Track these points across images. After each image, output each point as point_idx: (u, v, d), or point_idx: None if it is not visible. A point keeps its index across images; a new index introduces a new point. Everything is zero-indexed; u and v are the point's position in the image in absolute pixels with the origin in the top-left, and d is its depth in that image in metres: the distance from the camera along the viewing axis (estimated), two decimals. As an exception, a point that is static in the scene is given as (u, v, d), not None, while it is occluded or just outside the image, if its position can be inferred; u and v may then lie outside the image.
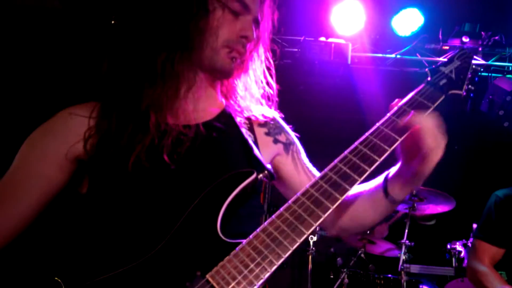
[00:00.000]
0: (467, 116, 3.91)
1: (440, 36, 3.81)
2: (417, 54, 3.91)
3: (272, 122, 1.23)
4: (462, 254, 3.66)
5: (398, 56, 3.90)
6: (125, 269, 0.87)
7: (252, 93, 1.21)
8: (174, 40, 1.00)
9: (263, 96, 1.24)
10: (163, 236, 0.89)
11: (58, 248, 1.08)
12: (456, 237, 3.74)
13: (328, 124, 4.65)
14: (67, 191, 1.05)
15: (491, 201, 2.18)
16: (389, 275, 4.00)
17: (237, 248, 0.84)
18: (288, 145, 1.21)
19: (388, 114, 1.00)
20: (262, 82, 1.23)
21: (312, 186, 0.89)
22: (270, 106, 1.25)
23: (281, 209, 0.87)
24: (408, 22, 3.64)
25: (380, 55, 3.86)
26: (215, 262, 0.83)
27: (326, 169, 0.93)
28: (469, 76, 1.10)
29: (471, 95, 1.09)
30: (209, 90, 1.15)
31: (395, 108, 1.00)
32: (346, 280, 3.98)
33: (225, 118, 1.13)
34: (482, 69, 3.87)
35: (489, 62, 3.86)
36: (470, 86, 1.09)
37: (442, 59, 3.88)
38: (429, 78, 1.07)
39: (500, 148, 4.57)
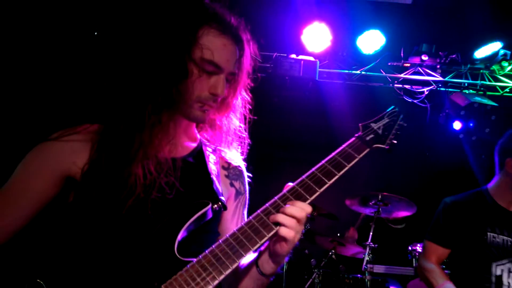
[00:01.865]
0: (428, 128, 4.21)
1: (402, 54, 4.09)
2: (381, 70, 4.18)
3: (235, 168, 1.38)
4: (422, 255, 3.92)
5: (363, 73, 4.15)
6: (96, 276, 1.04)
7: (227, 133, 1.35)
8: (159, 98, 1.15)
9: (236, 135, 1.37)
10: (130, 251, 1.07)
11: (41, 251, 1.17)
12: (417, 240, 4.01)
13: (299, 131, 4.88)
14: (55, 199, 1.17)
15: (440, 207, 2.39)
16: (358, 275, 4.24)
17: (188, 265, 1.02)
18: (238, 194, 1.36)
19: (284, 191, 1.12)
20: (237, 124, 1.36)
21: (239, 230, 1.07)
22: (242, 147, 1.39)
23: (220, 240, 1.05)
24: (372, 41, 3.89)
25: (346, 71, 4.10)
26: (171, 276, 1.01)
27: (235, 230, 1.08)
28: (394, 132, 1.24)
29: (395, 143, 1.22)
30: (187, 130, 1.30)
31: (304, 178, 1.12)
32: (317, 280, 4.20)
33: (197, 153, 1.29)
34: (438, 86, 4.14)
35: (446, 79, 4.17)
36: (393, 141, 1.23)
37: (403, 75, 4.17)
38: (360, 133, 1.22)
39: (456, 158, 4.90)
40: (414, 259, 3.93)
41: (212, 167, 1.30)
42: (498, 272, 2.14)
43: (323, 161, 1.16)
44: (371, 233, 3.81)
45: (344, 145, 1.20)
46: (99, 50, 3.23)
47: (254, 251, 1.07)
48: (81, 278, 1.06)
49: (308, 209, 1.06)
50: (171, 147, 1.21)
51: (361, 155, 1.18)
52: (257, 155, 1.46)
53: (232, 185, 1.35)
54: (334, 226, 4.39)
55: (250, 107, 1.38)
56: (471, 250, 2.21)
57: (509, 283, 2.12)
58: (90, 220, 1.10)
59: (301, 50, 3.95)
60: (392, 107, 1.31)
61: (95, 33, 3.31)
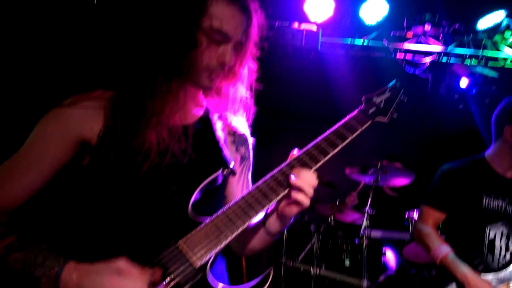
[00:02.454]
0: (428, 99, 4.24)
1: (405, 24, 4.06)
2: (384, 40, 4.17)
3: (240, 135, 1.44)
4: (418, 221, 4.07)
5: (365, 44, 4.12)
6: (114, 234, 1.11)
7: (233, 101, 1.39)
8: (169, 67, 1.19)
9: (242, 103, 1.41)
10: (146, 212, 1.13)
11: (56, 214, 1.20)
12: (414, 206, 4.14)
13: (300, 101, 4.91)
14: (68, 163, 1.21)
15: (437, 173, 2.47)
16: (356, 240, 4.40)
17: (203, 224, 1.10)
18: (243, 159, 1.42)
19: (289, 160, 1.17)
20: (244, 93, 1.40)
21: (249, 193, 1.14)
22: (248, 115, 1.44)
23: (231, 202, 1.13)
24: (375, 10, 3.84)
25: (349, 40, 4.07)
26: (186, 233, 1.08)
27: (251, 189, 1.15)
28: (394, 106, 1.31)
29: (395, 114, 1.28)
30: (195, 97, 1.34)
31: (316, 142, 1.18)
32: (316, 245, 4.36)
33: (205, 120, 1.34)
34: (441, 57, 4.14)
35: (449, 48, 4.15)
36: (393, 115, 1.30)
37: (407, 44, 4.15)
38: (362, 106, 1.29)
39: (454, 128, 4.96)
40: (410, 225, 4.07)
41: (219, 133, 1.35)
42: (491, 235, 2.24)
43: (327, 132, 1.22)
44: (369, 200, 3.93)
45: (347, 117, 1.26)
46: (113, 17, 3.19)
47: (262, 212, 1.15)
48: (99, 238, 1.13)
49: (313, 177, 1.13)
50: (181, 115, 1.26)
51: (364, 127, 1.24)
52: (258, 124, 1.51)
53: (237, 150, 1.42)
54: (333, 194, 4.51)
55: (256, 76, 1.42)
56: (467, 214, 2.31)
57: (501, 245, 2.23)
58: (106, 183, 1.15)
59: (303, 18, 3.90)
60: (394, 81, 1.37)
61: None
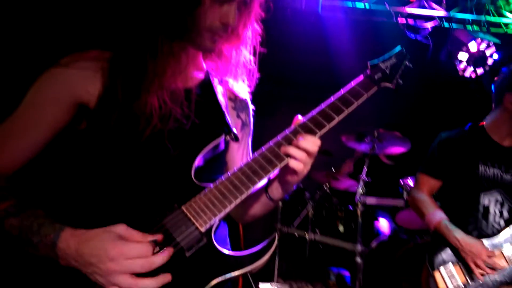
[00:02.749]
0: (428, 65, 4.19)
1: (408, -13, 3.94)
2: (385, 4, 4.05)
3: (241, 100, 1.40)
4: (413, 188, 4.14)
5: (367, 7, 4.01)
6: (113, 200, 1.09)
7: (235, 65, 1.33)
8: (171, 27, 1.14)
9: (244, 68, 1.35)
10: (148, 176, 1.11)
11: (55, 179, 1.19)
12: (408, 174, 4.19)
13: (300, 68, 4.83)
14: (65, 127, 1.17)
15: (435, 141, 2.48)
16: (350, 207, 4.48)
17: (206, 189, 1.08)
18: (244, 125, 1.40)
19: (297, 124, 1.15)
20: (247, 57, 1.34)
21: (253, 160, 1.12)
22: (250, 80, 1.39)
23: (235, 169, 1.11)
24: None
25: (350, 3, 3.95)
26: (189, 198, 1.07)
27: (254, 156, 1.13)
28: (400, 72, 1.27)
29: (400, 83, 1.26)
30: (195, 60, 1.29)
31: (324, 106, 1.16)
32: (311, 211, 4.44)
33: (206, 84, 1.30)
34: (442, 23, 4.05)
35: (451, 13, 4.05)
36: (399, 81, 1.27)
37: (409, 8, 4.04)
38: (368, 71, 1.24)
39: (452, 96, 4.94)
40: (404, 192, 4.14)
41: (221, 98, 1.32)
42: (486, 202, 2.28)
43: (332, 98, 1.18)
44: (365, 168, 3.96)
45: (353, 83, 1.22)
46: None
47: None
48: (98, 204, 1.10)
49: (318, 142, 1.12)
50: (182, 78, 1.22)
51: (369, 93, 1.20)
52: (254, 92, 1.47)
53: (238, 116, 1.39)
54: (329, 161, 4.54)
55: (260, 39, 1.35)
56: (463, 182, 2.33)
57: (495, 211, 2.27)
58: (106, 147, 1.12)
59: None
60: (399, 47, 1.32)
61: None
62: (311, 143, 1.11)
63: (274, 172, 1.12)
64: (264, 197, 1.25)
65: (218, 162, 1.28)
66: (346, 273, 4.72)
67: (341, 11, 4.01)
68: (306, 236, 4.21)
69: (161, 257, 0.96)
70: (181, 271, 1.01)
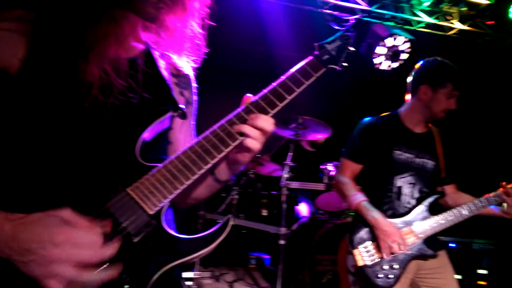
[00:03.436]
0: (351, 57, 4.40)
1: (335, -22, 4.08)
2: (313, -7, 4.15)
3: (184, 76, 1.32)
4: (332, 173, 4.38)
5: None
6: (49, 181, 0.96)
7: (179, 39, 1.24)
8: None
9: (190, 41, 1.26)
10: (89, 153, 1.00)
11: None
12: (328, 160, 4.42)
13: (231, 54, 4.77)
14: None
15: (356, 128, 2.63)
16: (273, 192, 4.60)
17: (154, 170, 1.01)
18: (187, 104, 1.32)
19: (247, 105, 1.11)
20: (194, 30, 1.25)
21: (204, 138, 1.06)
22: (195, 54, 1.29)
23: (186, 148, 1.04)
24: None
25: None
26: (135, 180, 0.99)
27: (200, 137, 1.07)
28: (345, 55, 1.27)
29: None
30: (135, 30, 1.17)
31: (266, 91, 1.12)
32: (236, 197, 4.46)
33: (147, 56, 1.20)
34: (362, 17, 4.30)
35: (372, 8, 4.31)
36: (344, 64, 1.28)
37: (333, 1, 4.21)
38: (317, 52, 1.24)
39: (372, 86, 5.31)
40: (324, 177, 4.36)
41: (164, 72, 1.22)
42: (400, 183, 2.47)
43: (283, 78, 1.17)
44: (290, 154, 4.08)
45: (302, 63, 1.21)
46: None
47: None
48: (31, 186, 0.95)
49: (272, 121, 1.09)
50: (124, 48, 1.10)
51: (318, 74, 1.20)
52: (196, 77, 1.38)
53: (182, 94, 1.30)
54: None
55: (209, 11, 1.26)
56: (380, 166, 2.50)
57: (407, 192, 2.47)
58: (33, 118, 0.97)
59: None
60: (343, 30, 1.34)
61: None
62: (267, 121, 1.08)
63: (226, 151, 1.07)
64: (210, 178, 1.19)
65: (162, 141, 1.19)
66: (266, 257, 4.87)
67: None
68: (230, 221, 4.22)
69: (111, 250, 0.87)
70: (129, 259, 0.94)
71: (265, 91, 1.14)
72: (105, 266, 0.88)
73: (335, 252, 3.33)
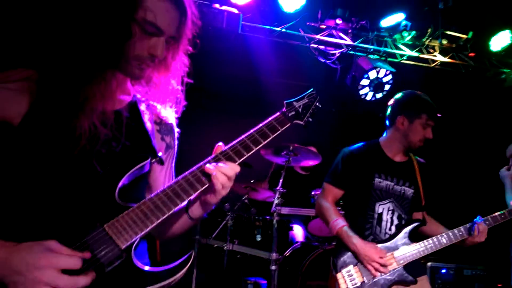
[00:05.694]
0: (337, 87, 4.61)
1: (319, 16, 4.32)
2: (300, 30, 4.39)
3: (166, 124, 1.48)
4: (323, 199, 4.48)
5: (284, 30, 4.32)
6: (37, 217, 1.11)
7: (163, 92, 1.42)
8: (104, 56, 1.20)
9: (172, 95, 1.43)
10: (73, 195, 1.15)
11: None
12: (319, 186, 4.51)
13: (223, 81, 4.97)
14: None
15: (339, 155, 2.75)
16: (267, 217, 4.67)
17: (129, 209, 1.15)
18: (168, 148, 1.48)
19: (214, 154, 1.27)
20: (174, 86, 1.42)
21: (176, 183, 1.21)
22: (177, 107, 1.48)
23: (159, 191, 1.19)
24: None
25: (268, 27, 4.22)
26: (112, 217, 1.13)
27: (171, 184, 1.21)
28: (310, 111, 1.48)
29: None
30: (123, 85, 1.35)
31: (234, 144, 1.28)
32: (230, 222, 4.54)
33: (133, 108, 1.36)
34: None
35: (356, 43, 4.54)
36: (309, 119, 1.47)
37: (319, 37, 4.44)
38: (284, 109, 1.43)
39: (357, 115, 5.47)
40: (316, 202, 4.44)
41: (147, 122, 1.39)
42: (380, 210, 2.59)
43: (251, 130, 1.34)
44: (281, 180, 4.20)
45: (270, 118, 1.39)
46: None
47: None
48: (21, 220, 1.11)
49: (237, 169, 1.24)
50: (111, 101, 1.27)
51: (283, 128, 1.38)
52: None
53: (163, 139, 1.47)
54: (248, 174, 4.71)
55: (188, 70, 1.45)
56: (361, 192, 2.62)
57: (387, 218, 2.59)
58: (30, 164, 1.14)
59: (224, 1, 3.93)
60: (311, 89, 1.53)
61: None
62: (231, 169, 1.22)
63: (195, 195, 1.23)
64: (184, 216, 1.34)
65: (141, 182, 1.35)
66: (263, 281, 4.89)
67: (260, 32, 4.25)
68: (224, 246, 4.29)
69: (85, 279, 1.01)
70: (100, 286, 1.06)
71: (234, 142, 1.31)
72: None
73: (326, 278, 3.41)
